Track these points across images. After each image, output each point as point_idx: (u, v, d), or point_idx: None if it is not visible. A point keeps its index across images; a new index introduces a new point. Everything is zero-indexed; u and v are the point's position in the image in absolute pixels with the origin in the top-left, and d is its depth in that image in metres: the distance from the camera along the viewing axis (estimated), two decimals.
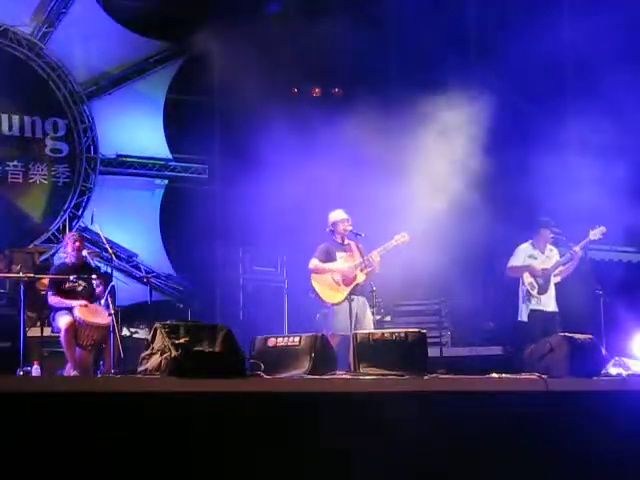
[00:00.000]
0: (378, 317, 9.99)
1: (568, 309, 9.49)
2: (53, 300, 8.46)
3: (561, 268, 9.41)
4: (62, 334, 8.27)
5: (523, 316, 9.35)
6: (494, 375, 6.09)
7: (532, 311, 9.32)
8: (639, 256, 12.64)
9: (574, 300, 9.53)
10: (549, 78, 12.20)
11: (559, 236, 9.50)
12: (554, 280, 9.41)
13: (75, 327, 8.25)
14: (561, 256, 9.49)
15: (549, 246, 9.54)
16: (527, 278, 9.37)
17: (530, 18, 11.58)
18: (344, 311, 8.75)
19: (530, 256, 9.46)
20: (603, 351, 7.02)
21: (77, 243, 8.69)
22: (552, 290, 9.42)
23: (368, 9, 12.16)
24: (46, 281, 8.86)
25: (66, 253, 8.86)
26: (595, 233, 9.29)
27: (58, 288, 8.50)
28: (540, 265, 9.40)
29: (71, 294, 8.50)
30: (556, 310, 9.39)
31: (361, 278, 8.88)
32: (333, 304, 8.86)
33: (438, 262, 10.63)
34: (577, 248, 9.30)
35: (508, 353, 10.26)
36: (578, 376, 5.99)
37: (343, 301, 8.81)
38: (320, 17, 11.77)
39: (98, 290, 8.51)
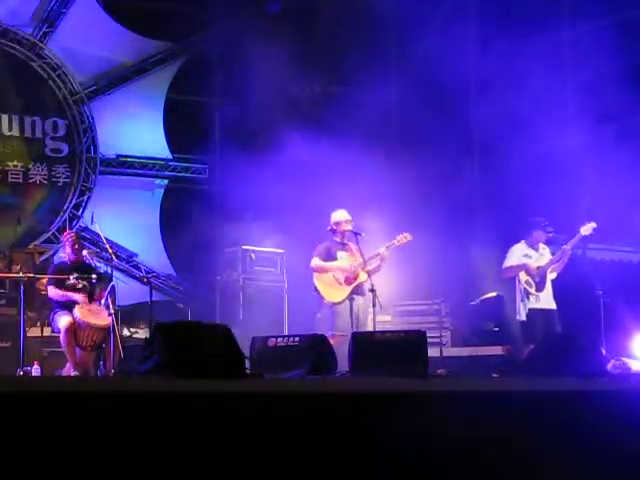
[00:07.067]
0: (378, 317, 9.99)
1: (568, 309, 9.48)
2: (52, 292, 8.45)
3: (554, 265, 9.42)
4: (62, 335, 8.26)
5: (522, 315, 9.33)
6: (494, 375, 6.09)
7: (530, 310, 9.29)
8: (639, 256, 12.62)
9: (574, 300, 9.52)
10: None
11: (555, 235, 9.49)
12: (550, 277, 9.40)
13: (75, 328, 8.24)
14: (553, 254, 9.50)
15: (542, 245, 9.54)
16: (523, 276, 9.34)
17: None
18: (344, 311, 8.75)
19: (525, 255, 9.46)
20: (603, 351, 7.02)
21: (76, 246, 8.71)
22: (549, 287, 9.41)
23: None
24: (45, 281, 8.88)
25: (65, 253, 8.88)
26: (586, 229, 9.28)
27: (57, 286, 8.50)
28: (535, 263, 9.39)
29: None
30: (555, 308, 9.38)
31: (363, 277, 8.87)
32: (334, 303, 8.86)
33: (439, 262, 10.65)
34: (567, 246, 9.32)
35: (508, 353, 10.25)
36: (578, 376, 5.98)
37: (344, 300, 8.81)
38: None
39: (98, 293, 8.53)
